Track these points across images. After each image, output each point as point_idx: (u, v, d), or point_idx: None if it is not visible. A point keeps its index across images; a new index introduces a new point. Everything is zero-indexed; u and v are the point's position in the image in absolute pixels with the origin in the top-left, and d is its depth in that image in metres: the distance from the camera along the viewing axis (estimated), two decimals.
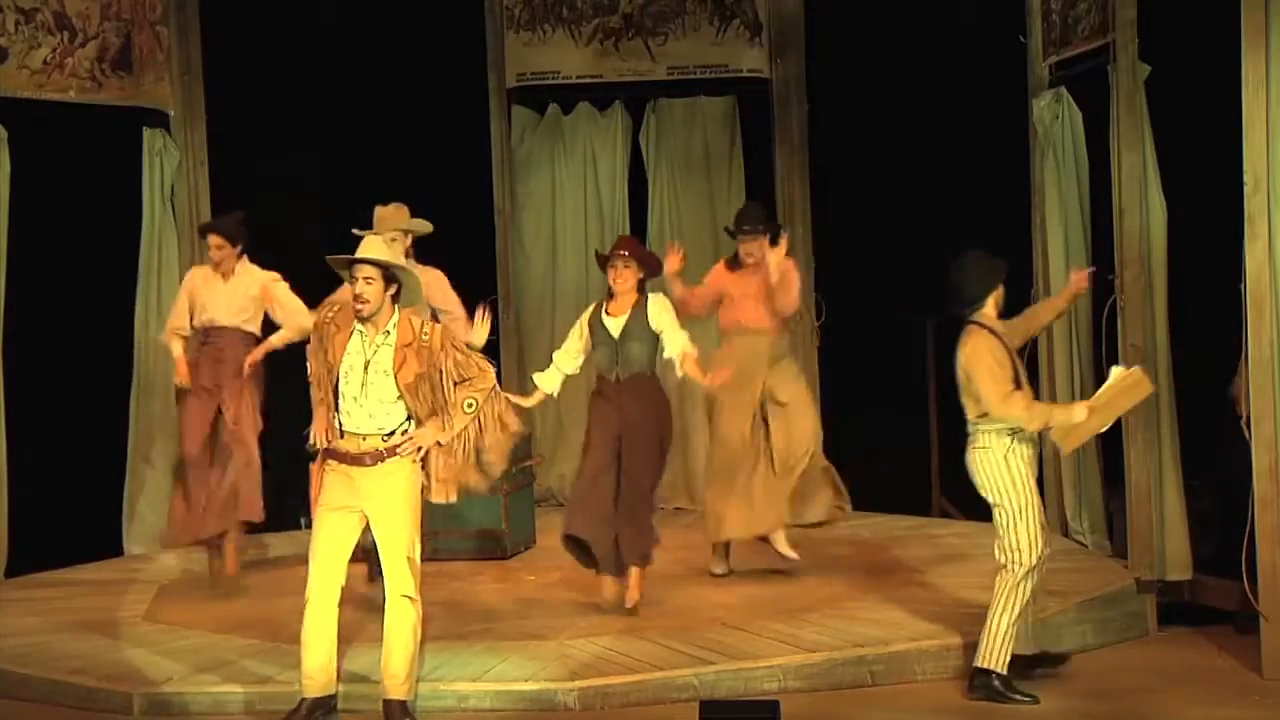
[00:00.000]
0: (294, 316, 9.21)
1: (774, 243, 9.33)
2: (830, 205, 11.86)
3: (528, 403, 8.84)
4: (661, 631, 8.24)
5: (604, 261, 8.78)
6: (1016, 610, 7.45)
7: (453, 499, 7.29)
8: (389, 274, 7.04)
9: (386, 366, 7.02)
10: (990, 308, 7.52)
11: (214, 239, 9.47)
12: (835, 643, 7.95)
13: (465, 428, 7.12)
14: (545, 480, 12.02)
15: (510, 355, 12.30)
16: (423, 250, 9.31)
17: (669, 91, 12.27)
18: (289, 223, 10.87)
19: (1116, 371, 7.57)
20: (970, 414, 7.46)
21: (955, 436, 11.60)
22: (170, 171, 11.01)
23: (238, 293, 9.41)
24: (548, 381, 8.94)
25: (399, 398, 7.04)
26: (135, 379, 10.91)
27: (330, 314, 7.18)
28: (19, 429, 10.06)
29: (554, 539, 10.63)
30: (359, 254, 7.04)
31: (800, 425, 9.43)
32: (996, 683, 7.43)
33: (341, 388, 7.05)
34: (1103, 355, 9.27)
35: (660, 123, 12.30)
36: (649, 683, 7.59)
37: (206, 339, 9.47)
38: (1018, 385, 7.38)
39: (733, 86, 12.24)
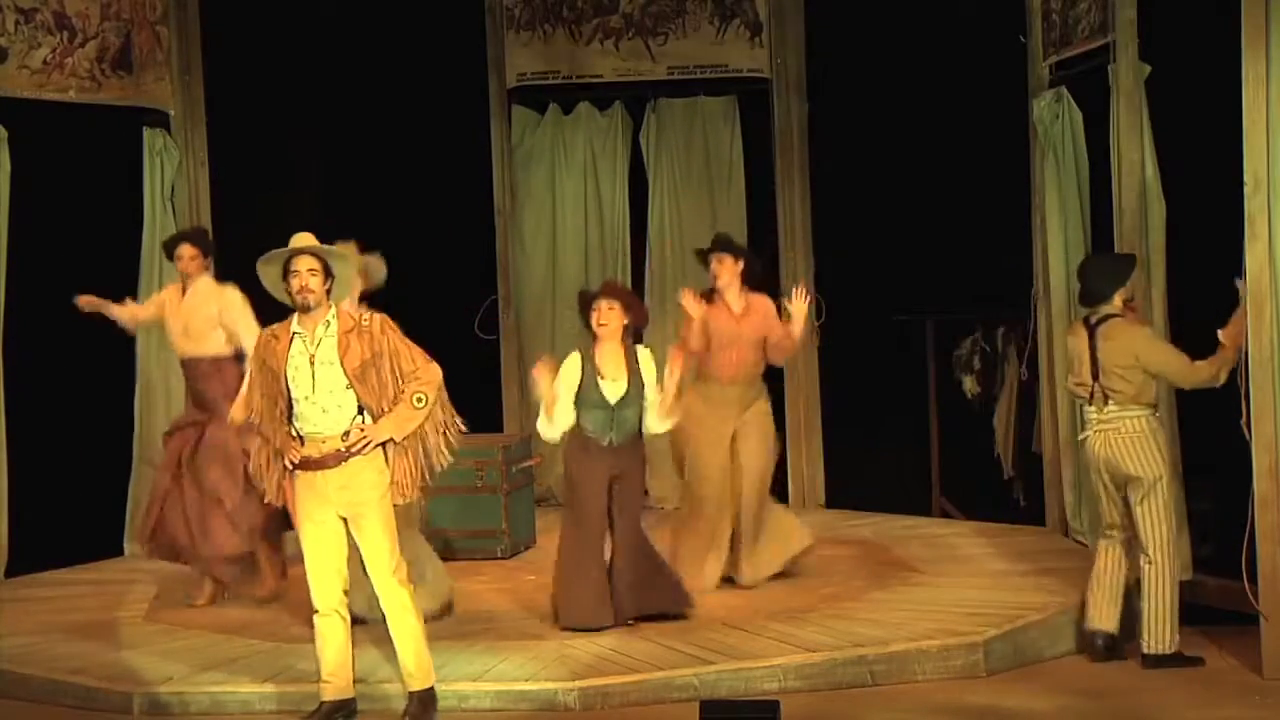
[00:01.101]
0: (248, 337, 8.75)
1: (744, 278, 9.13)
2: (830, 205, 11.86)
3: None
4: (661, 631, 8.24)
5: (588, 303, 8.40)
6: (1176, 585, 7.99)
7: (409, 500, 7.27)
8: (326, 265, 7.12)
9: (332, 356, 7.05)
10: (1118, 301, 7.97)
11: (186, 249, 9.23)
12: (835, 643, 7.95)
13: (419, 426, 7.11)
14: (545, 480, 12.01)
15: (510, 355, 12.30)
16: (422, 250, 9.29)
17: (669, 91, 12.27)
18: (289, 223, 10.83)
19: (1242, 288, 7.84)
20: (1122, 398, 7.89)
21: (955, 436, 11.73)
22: (170, 171, 11.01)
23: (195, 314, 9.16)
24: (555, 432, 8.41)
25: (348, 386, 7.05)
26: (138, 379, 10.91)
27: (267, 334, 7.25)
28: (19, 429, 10.06)
29: (554, 539, 10.65)
30: (287, 248, 7.12)
31: (751, 472, 9.16)
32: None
33: (293, 394, 7.09)
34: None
35: (660, 123, 12.30)
36: (649, 683, 7.59)
37: (185, 375, 9.37)
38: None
39: (733, 86, 12.23)
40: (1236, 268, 7.76)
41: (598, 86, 12.33)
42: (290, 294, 7.13)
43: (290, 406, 7.11)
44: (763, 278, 9.50)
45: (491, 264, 12.33)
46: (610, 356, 8.32)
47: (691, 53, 12.16)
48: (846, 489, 11.74)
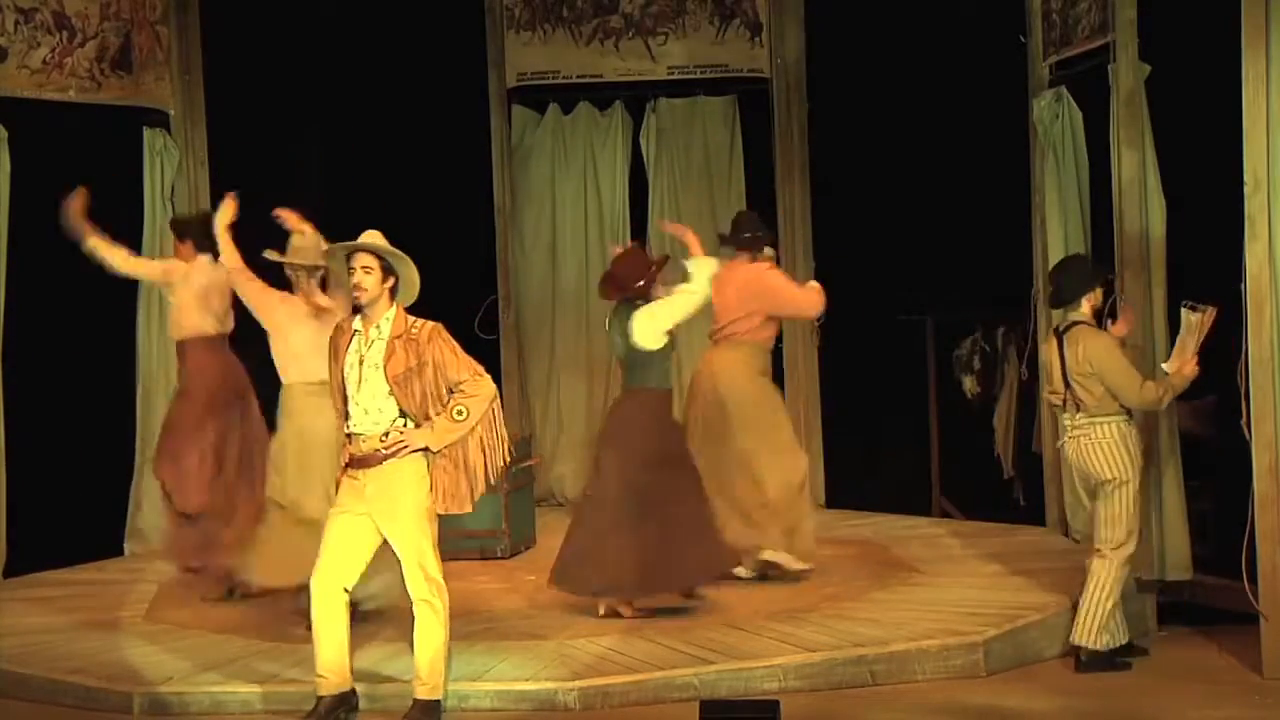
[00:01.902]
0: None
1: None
2: (830, 205, 11.86)
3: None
4: (661, 631, 8.24)
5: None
6: (1119, 592, 7.98)
7: (456, 510, 7.21)
8: (386, 265, 7.09)
9: (378, 360, 7.06)
10: (1087, 309, 7.99)
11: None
12: (835, 643, 7.95)
13: (459, 439, 7.08)
14: (545, 480, 12.02)
15: (510, 355, 12.31)
16: (423, 249, 9.28)
17: (669, 91, 12.27)
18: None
19: (1189, 318, 7.92)
20: (1087, 406, 7.93)
21: (955, 436, 11.73)
22: (170, 171, 11.01)
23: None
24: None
25: (389, 393, 7.05)
26: (139, 379, 10.91)
27: (339, 324, 7.30)
28: (19, 429, 10.05)
29: (554, 539, 10.65)
30: (351, 243, 7.11)
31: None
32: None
33: (348, 390, 7.13)
34: None
35: (660, 123, 12.30)
36: (649, 683, 7.59)
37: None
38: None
39: (733, 86, 12.24)
40: (1237, 268, 7.75)
41: (598, 86, 12.33)
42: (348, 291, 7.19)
43: (345, 402, 7.15)
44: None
45: (491, 264, 12.33)
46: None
47: (691, 53, 12.16)
48: (846, 489, 11.74)
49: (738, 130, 12.31)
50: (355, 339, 7.15)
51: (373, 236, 7.17)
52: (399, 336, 7.07)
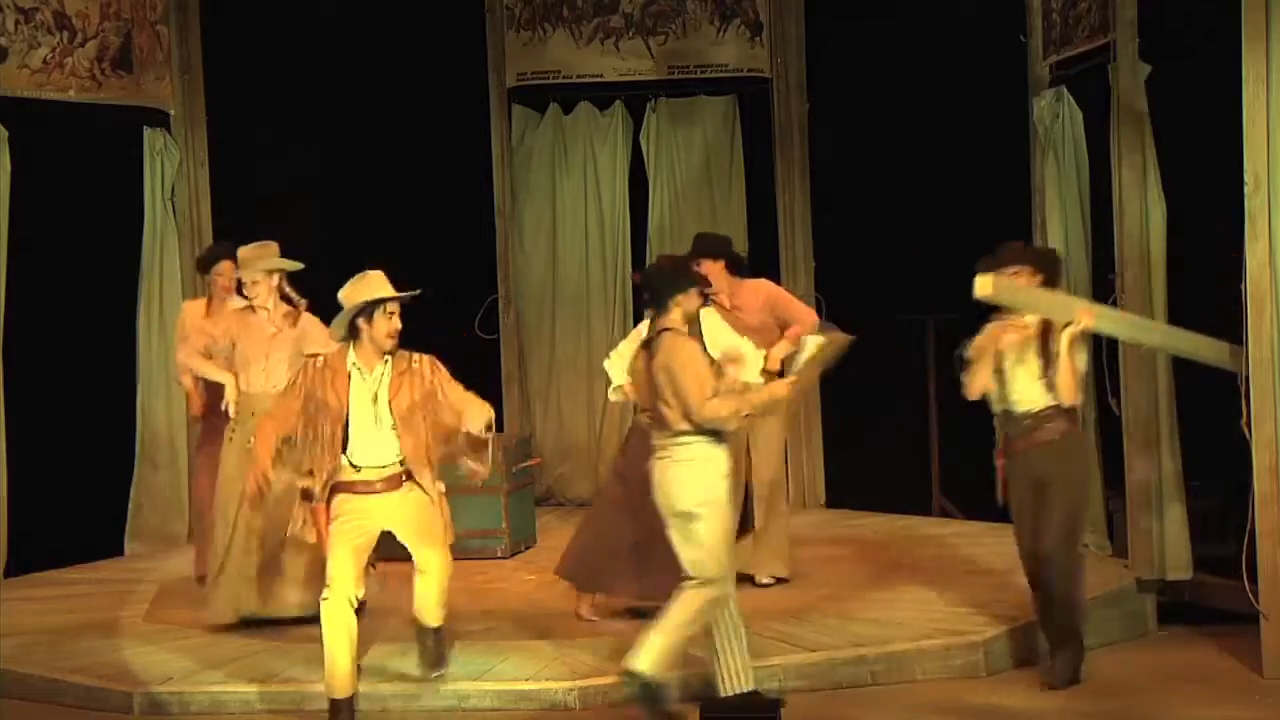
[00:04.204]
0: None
1: (732, 269, 9.11)
2: (830, 204, 11.86)
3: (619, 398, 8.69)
4: None
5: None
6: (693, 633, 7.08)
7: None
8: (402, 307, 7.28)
9: (385, 395, 7.21)
10: (677, 314, 7.16)
11: (228, 265, 9.23)
12: (835, 643, 7.95)
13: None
14: (545, 480, 12.02)
15: (510, 355, 12.31)
16: (424, 249, 9.30)
17: (669, 91, 12.27)
18: (289, 223, 10.86)
19: (812, 341, 7.45)
20: (673, 424, 7.06)
21: (955, 436, 11.72)
22: (171, 171, 11.01)
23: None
24: (620, 376, 8.51)
25: (393, 426, 7.20)
26: (139, 380, 10.91)
27: (318, 365, 7.30)
28: (19, 429, 10.05)
29: (554, 539, 10.66)
30: (375, 289, 7.20)
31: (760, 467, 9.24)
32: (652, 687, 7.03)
33: (352, 427, 7.20)
34: (1103, 355, 9.27)
35: (660, 122, 12.30)
36: None
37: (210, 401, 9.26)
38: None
39: (733, 86, 12.24)
40: (1237, 268, 7.75)
41: (598, 86, 12.33)
42: (377, 334, 7.17)
43: (346, 436, 7.21)
44: (747, 262, 9.50)
45: (491, 264, 12.33)
46: None
47: (691, 53, 12.16)
48: (846, 489, 11.74)
49: (738, 130, 12.31)
50: (356, 375, 7.23)
51: (384, 280, 7.26)
52: (403, 373, 7.23)
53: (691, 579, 7.02)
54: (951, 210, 11.11)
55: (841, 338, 7.51)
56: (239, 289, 8.93)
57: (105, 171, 10.76)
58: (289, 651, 8.07)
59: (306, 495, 7.46)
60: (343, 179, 11.60)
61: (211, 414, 9.14)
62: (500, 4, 12.33)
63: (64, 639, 8.54)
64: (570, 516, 11.56)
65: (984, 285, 7.39)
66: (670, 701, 7.11)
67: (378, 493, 7.23)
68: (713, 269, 9.08)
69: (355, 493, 7.24)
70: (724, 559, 7.05)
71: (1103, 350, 9.27)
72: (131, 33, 10.85)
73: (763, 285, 9.34)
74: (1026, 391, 7.67)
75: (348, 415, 7.20)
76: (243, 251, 8.69)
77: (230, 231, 10.36)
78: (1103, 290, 9.36)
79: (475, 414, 7.29)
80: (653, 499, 7.90)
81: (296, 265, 8.67)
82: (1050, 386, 7.61)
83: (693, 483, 7.02)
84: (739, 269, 9.26)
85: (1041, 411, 7.65)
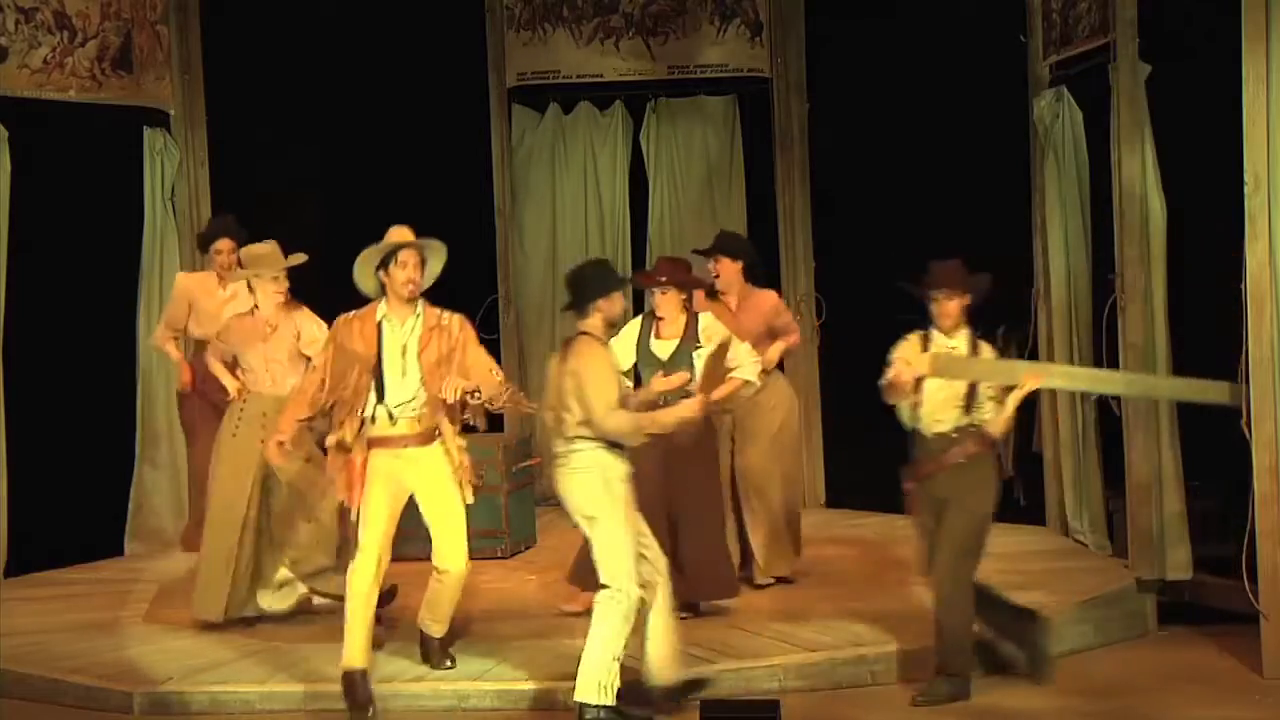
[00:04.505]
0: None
1: (747, 275, 9.16)
2: (830, 204, 11.85)
3: None
4: None
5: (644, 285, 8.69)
6: (624, 640, 7.08)
7: (468, 500, 7.61)
8: (422, 257, 7.54)
9: (415, 348, 7.44)
10: (597, 319, 7.12)
11: (226, 243, 9.48)
12: (835, 643, 7.95)
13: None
14: (545, 480, 11.99)
15: (510, 355, 12.30)
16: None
17: (669, 91, 12.27)
18: (289, 223, 10.86)
19: (702, 356, 7.57)
20: (570, 430, 7.11)
21: None
22: (171, 171, 11.01)
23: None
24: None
25: (421, 379, 7.43)
26: (139, 380, 10.91)
27: (349, 318, 7.59)
28: (20, 429, 10.05)
29: (554, 539, 10.66)
30: (393, 240, 7.51)
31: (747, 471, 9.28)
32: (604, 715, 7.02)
33: (387, 378, 7.43)
34: (1103, 355, 9.27)
35: (660, 122, 12.30)
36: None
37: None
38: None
39: (733, 86, 12.24)
40: (1237, 268, 7.75)
41: (598, 86, 12.33)
42: (395, 284, 7.45)
43: (379, 390, 7.44)
44: (766, 273, 9.53)
45: (491, 264, 12.33)
46: (670, 324, 8.55)
47: (691, 53, 12.16)
48: (846, 489, 11.74)
49: (738, 130, 12.31)
50: (387, 327, 7.47)
51: (405, 232, 7.56)
52: (433, 328, 7.49)
53: (604, 586, 7.07)
54: (951, 210, 11.10)
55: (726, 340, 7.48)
56: (244, 279, 8.88)
57: (105, 171, 10.76)
58: (289, 651, 8.07)
59: (341, 447, 7.51)
60: (343, 179, 11.59)
61: (202, 386, 9.23)
62: (500, 4, 12.33)
63: (64, 639, 8.54)
64: (570, 516, 11.56)
65: (922, 364, 7.32)
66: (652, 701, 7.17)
67: (408, 446, 7.39)
68: (730, 269, 9.14)
69: (388, 448, 7.39)
70: (626, 562, 7.04)
71: (1103, 350, 9.28)
72: (131, 33, 10.85)
73: (770, 296, 9.37)
74: (942, 413, 7.53)
75: (378, 365, 7.41)
76: (247, 252, 8.70)
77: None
78: (1103, 290, 9.37)
79: (485, 386, 7.47)
80: (650, 494, 7.99)
81: (301, 258, 8.68)
82: (968, 411, 7.48)
83: (589, 489, 7.07)
84: (754, 275, 9.27)
85: (953, 433, 7.51)
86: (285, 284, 8.59)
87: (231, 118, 11.20)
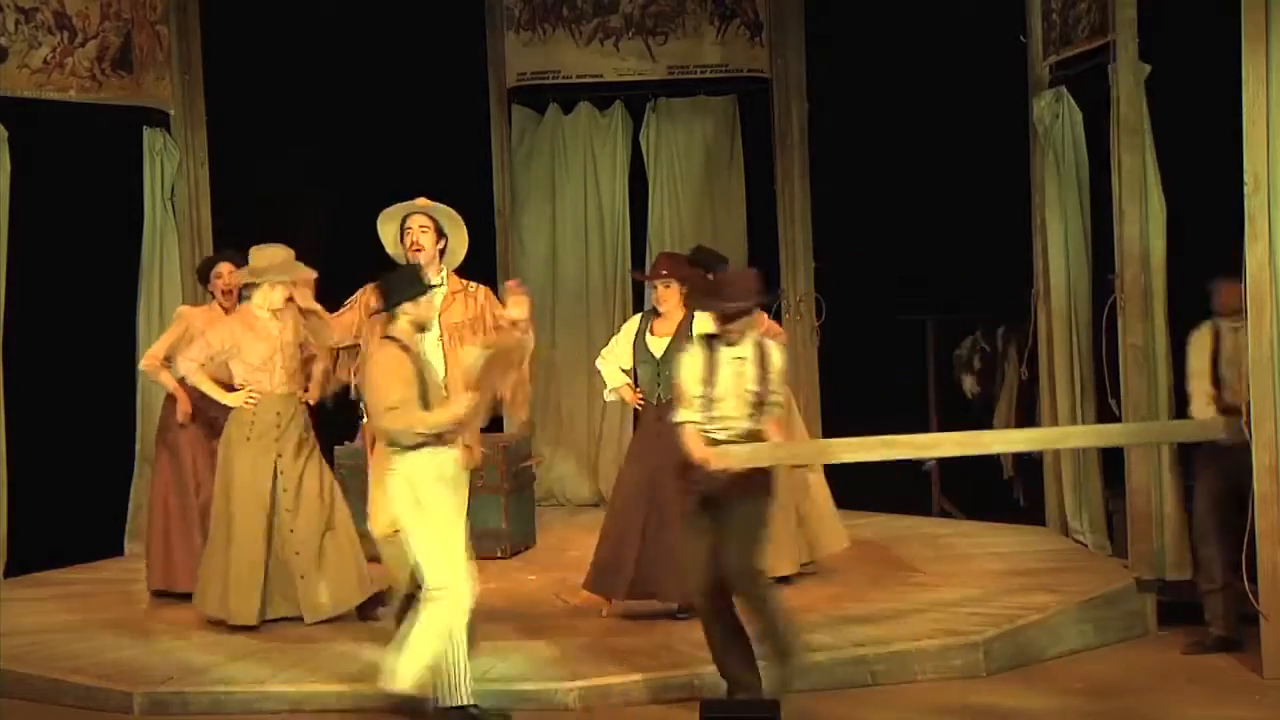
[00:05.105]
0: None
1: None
2: (830, 205, 11.85)
3: (631, 399, 8.71)
4: (662, 631, 8.23)
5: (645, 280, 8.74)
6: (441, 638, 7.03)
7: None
8: (439, 228, 7.72)
9: (437, 310, 7.56)
10: (404, 322, 7.06)
11: (226, 267, 9.29)
12: (835, 643, 7.95)
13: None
14: (545, 480, 12.01)
15: None
16: None
17: (669, 91, 12.27)
18: (289, 223, 10.86)
19: (470, 353, 7.30)
20: (381, 436, 7.07)
21: None
22: (171, 171, 11.00)
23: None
24: (614, 378, 8.72)
25: (440, 337, 7.57)
26: (139, 380, 10.90)
27: (365, 295, 7.75)
28: (19, 429, 10.06)
29: (554, 539, 10.67)
30: (405, 205, 7.74)
31: None
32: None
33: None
34: (1103, 355, 9.28)
35: (660, 122, 12.30)
36: (649, 682, 7.58)
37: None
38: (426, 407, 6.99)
39: (733, 86, 12.24)
40: (1237, 268, 7.74)
41: (598, 86, 12.33)
42: (406, 248, 7.71)
43: None
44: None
45: (491, 264, 12.33)
46: (667, 320, 8.61)
47: (691, 53, 12.17)
48: (846, 489, 11.73)
49: (738, 130, 12.31)
50: None
51: (423, 201, 7.73)
52: (456, 292, 7.68)
53: (427, 589, 6.99)
54: (952, 210, 11.12)
55: (508, 343, 7.43)
56: (240, 295, 8.92)
57: (105, 171, 10.76)
58: (289, 651, 8.07)
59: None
60: (343, 179, 11.59)
61: (200, 403, 9.19)
62: (500, 4, 12.33)
63: (64, 639, 8.54)
64: (570, 517, 11.58)
65: (722, 456, 7.02)
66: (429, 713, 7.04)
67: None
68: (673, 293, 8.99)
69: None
70: (447, 562, 6.99)
71: (1103, 350, 9.29)
72: (131, 33, 10.84)
73: None
74: (732, 417, 7.18)
75: None
76: (259, 253, 8.65)
77: (230, 231, 10.37)
78: (1103, 290, 9.37)
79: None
80: (663, 497, 7.98)
81: (311, 273, 8.55)
82: (755, 415, 7.17)
83: (398, 500, 6.99)
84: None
85: (736, 438, 7.17)
86: (289, 291, 8.55)
87: (231, 118, 11.19)
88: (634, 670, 7.67)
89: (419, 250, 7.72)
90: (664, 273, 8.57)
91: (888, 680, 7.75)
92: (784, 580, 9.19)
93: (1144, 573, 8.82)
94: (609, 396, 8.78)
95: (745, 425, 7.15)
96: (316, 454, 8.72)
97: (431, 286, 7.29)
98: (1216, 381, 8.02)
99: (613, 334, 9.15)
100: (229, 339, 8.69)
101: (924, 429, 11.83)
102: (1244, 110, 7.65)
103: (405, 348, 7.01)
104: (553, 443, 12.30)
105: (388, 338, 7.04)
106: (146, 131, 10.97)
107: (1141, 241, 8.88)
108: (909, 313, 11.78)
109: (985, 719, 7.34)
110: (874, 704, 7.50)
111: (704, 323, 8.48)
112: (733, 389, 7.10)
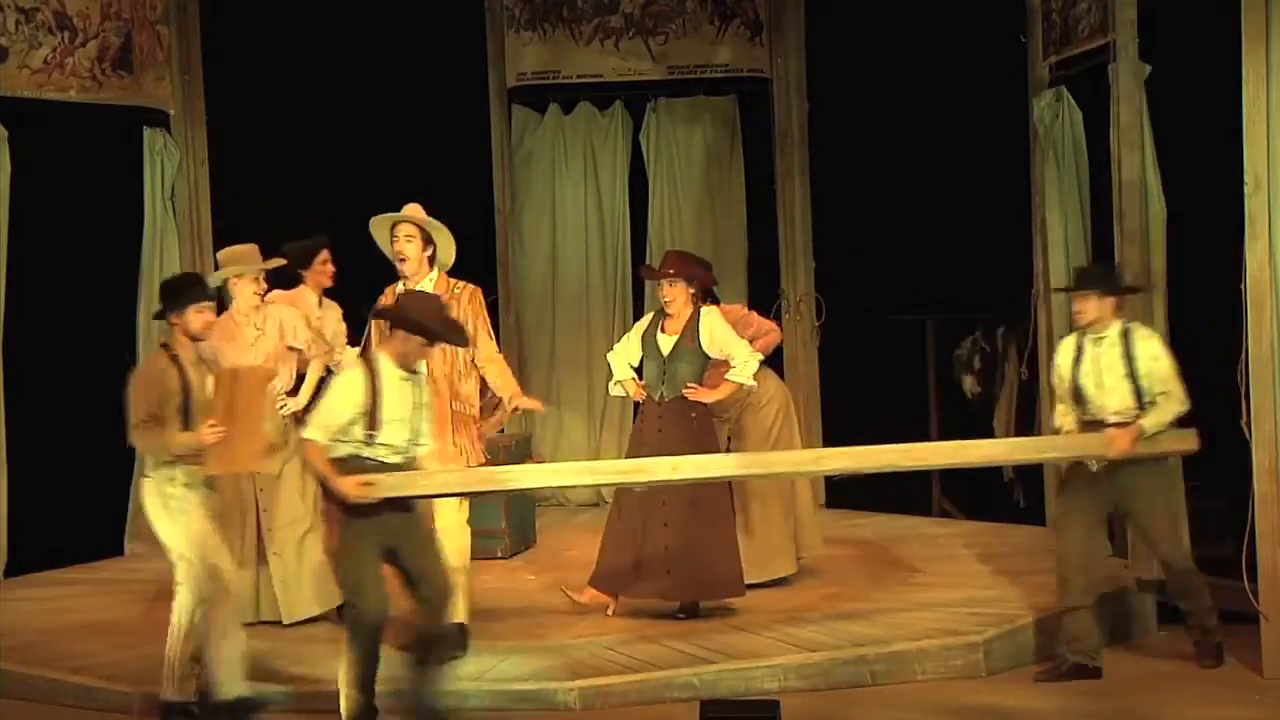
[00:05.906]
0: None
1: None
2: (830, 205, 11.86)
3: (635, 393, 8.68)
4: (662, 631, 8.24)
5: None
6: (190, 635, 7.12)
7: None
8: (425, 234, 7.84)
9: None
10: (177, 333, 6.96)
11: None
12: (835, 643, 7.95)
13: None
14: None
15: (510, 355, 12.26)
16: None
17: (669, 91, 12.28)
18: (289, 223, 10.86)
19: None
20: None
21: (954, 437, 11.70)
22: (171, 171, 11.01)
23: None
24: (622, 371, 8.69)
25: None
26: None
27: (388, 292, 7.96)
28: (19, 428, 10.06)
29: (554, 539, 10.68)
30: (392, 215, 7.90)
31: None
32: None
33: None
34: None
35: (660, 123, 12.31)
36: (649, 683, 7.58)
37: None
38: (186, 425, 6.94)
39: (733, 86, 12.24)
40: (1237, 268, 7.75)
41: (598, 86, 12.34)
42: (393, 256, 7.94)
43: None
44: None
45: (491, 264, 12.33)
46: (675, 319, 8.61)
47: (691, 53, 12.17)
48: (846, 489, 11.75)
49: (738, 130, 12.32)
50: (402, 288, 7.79)
51: (414, 210, 7.89)
52: (443, 295, 7.69)
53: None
54: (952, 210, 11.12)
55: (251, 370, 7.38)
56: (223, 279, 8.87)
57: (105, 171, 10.76)
58: (287, 652, 8.07)
59: None
60: (343, 179, 11.60)
61: None
62: (500, 4, 12.33)
63: (64, 639, 8.54)
64: (570, 517, 11.58)
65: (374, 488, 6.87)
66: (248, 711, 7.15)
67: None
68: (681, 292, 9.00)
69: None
70: (191, 562, 7.09)
71: None
72: (132, 33, 10.85)
73: (732, 311, 9.20)
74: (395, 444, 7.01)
75: None
76: (227, 252, 8.68)
77: (230, 231, 10.35)
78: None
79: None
80: (661, 497, 8.00)
81: (279, 261, 8.67)
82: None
83: (152, 518, 7.15)
84: (710, 294, 9.22)
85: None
86: (263, 286, 8.57)
87: (231, 118, 11.20)
88: (634, 670, 7.67)
89: (404, 260, 7.94)
90: (671, 271, 8.57)
91: (888, 680, 7.75)
92: (783, 580, 9.21)
93: (1144, 573, 8.81)
94: (614, 389, 8.79)
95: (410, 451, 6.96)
96: (295, 455, 8.64)
97: (208, 299, 7.14)
98: (1077, 396, 7.83)
99: (613, 333, 9.17)
100: (208, 351, 8.66)
101: (924, 429, 11.88)
102: (1244, 110, 7.65)
103: (174, 358, 6.96)
104: (553, 443, 12.30)
105: (162, 347, 7.07)
106: (146, 131, 10.98)
107: (1141, 241, 8.88)
108: (909, 313, 11.78)
109: (985, 719, 7.34)
110: (874, 704, 7.50)
111: (712, 320, 8.50)
112: (401, 413, 6.88)
